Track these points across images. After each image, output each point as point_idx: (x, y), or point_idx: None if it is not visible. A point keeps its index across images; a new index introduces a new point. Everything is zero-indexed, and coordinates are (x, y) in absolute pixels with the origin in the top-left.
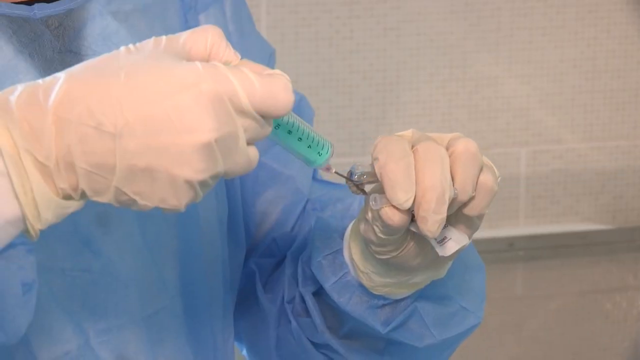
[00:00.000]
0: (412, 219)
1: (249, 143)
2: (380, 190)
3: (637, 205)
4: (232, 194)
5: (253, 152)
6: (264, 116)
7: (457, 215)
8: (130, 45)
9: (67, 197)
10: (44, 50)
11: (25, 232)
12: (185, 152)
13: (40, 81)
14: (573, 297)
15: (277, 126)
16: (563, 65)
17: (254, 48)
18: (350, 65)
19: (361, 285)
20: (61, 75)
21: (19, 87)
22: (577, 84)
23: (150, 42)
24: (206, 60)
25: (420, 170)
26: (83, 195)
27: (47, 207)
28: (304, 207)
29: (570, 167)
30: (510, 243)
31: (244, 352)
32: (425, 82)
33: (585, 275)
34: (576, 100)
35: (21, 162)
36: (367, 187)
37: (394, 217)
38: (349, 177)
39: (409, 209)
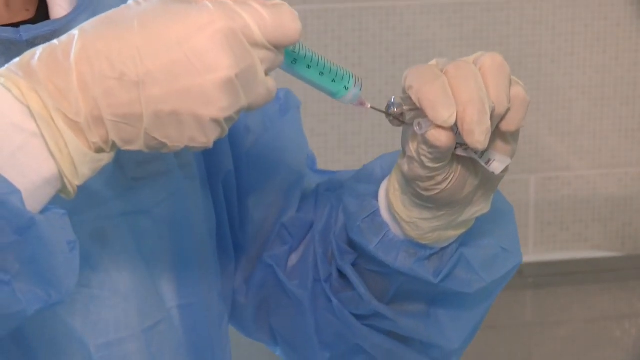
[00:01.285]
0: (457, 146)
1: (265, 74)
2: (420, 117)
3: None
4: (218, 204)
5: (271, 83)
6: (276, 46)
7: (494, 136)
8: None
9: (99, 150)
10: None
11: (61, 190)
12: (208, 92)
13: (56, 41)
14: (582, 324)
15: (294, 61)
16: (572, 92)
17: None
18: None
19: (406, 241)
20: (75, 32)
21: (37, 50)
22: (586, 110)
23: None
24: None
25: (456, 87)
26: (114, 146)
27: (82, 162)
28: (303, 186)
29: (579, 194)
30: (520, 270)
31: (278, 352)
32: None
33: (594, 302)
34: (585, 127)
35: (53, 122)
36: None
37: (441, 137)
38: (387, 109)
39: (454, 128)
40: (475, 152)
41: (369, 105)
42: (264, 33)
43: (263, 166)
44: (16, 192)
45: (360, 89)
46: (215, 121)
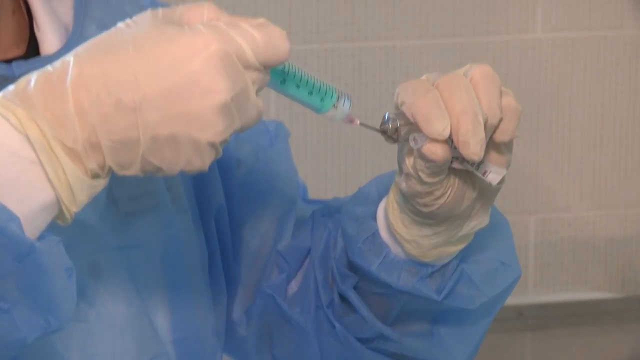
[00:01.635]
0: (452, 159)
1: (255, 94)
2: (415, 132)
3: None
4: (210, 238)
5: (260, 103)
6: (266, 66)
7: (488, 147)
8: (128, 20)
9: (95, 176)
10: None
11: (58, 217)
12: (205, 116)
13: (49, 67)
14: None
15: (283, 81)
16: (571, 133)
17: None
18: (359, 131)
19: (407, 260)
20: (70, 59)
21: (32, 77)
22: (585, 151)
23: (147, 14)
24: None
25: (449, 100)
26: (109, 171)
27: (80, 189)
28: (297, 213)
29: (579, 235)
30: (519, 312)
31: None
32: None
33: (594, 344)
34: (585, 168)
35: (51, 149)
36: (400, 139)
37: (437, 150)
38: (382, 126)
39: (449, 141)
40: (472, 164)
41: (358, 122)
42: (256, 54)
43: (255, 195)
44: (15, 219)
45: (350, 107)
46: (212, 144)
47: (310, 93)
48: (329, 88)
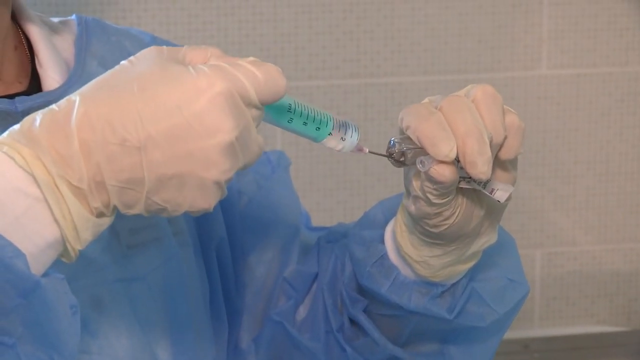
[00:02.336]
0: (460, 179)
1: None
2: (422, 155)
3: None
4: (211, 272)
5: (260, 139)
6: (265, 103)
7: (494, 165)
8: (132, 58)
9: (100, 215)
10: None
11: (63, 254)
12: (210, 155)
13: (55, 107)
14: None
15: (279, 115)
16: (577, 167)
17: None
18: (365, 167)
19: (417, 281)
20: (76, 98)
21: (37, 116)
22: (591, 185)
23: (152, 52)
24: None
25: (453, 121)
26: (114, 210)
27: (84, 227)
28: (301, 240)
29: (585, 269)
30: (526, 345)
31: None
32: None
33: None
34: (590, 203)
35: (57, 188)
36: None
37: (445, 172)
38: (388, 150)
39: (455, 162)
40: (479, 183)
41: (367, 150)
42: (258, 92)
43: (258, 225)
44: (21, 255)
45: (358, 137)
46: (217, 184)
47: (305, 123)
48: (324, 116)
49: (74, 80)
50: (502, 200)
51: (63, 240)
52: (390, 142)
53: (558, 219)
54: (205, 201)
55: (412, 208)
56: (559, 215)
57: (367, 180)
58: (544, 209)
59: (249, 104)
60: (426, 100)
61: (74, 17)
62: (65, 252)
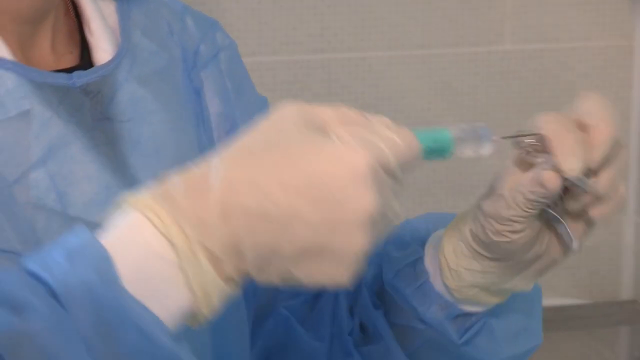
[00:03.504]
0: (552, 205)
1: None
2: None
3: (613, 281)
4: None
5: (397, 206)
6: (402, 168)
7: (580, 218)
8: (270, 117)
9: (230, 281)
10: (86, 118)
11: (190, 319)
12: (352, 230)
13: (195, 169)
14: None
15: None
16: None
17: (252, 104)
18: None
19: (439, 294)
20: (215, 161)
21: (174, 178)
22: None
23: (292, 112)
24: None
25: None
26: (244, 277)
27: (216, 295)
28: None
29: None
30: None
31: None
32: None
33: (564, 349)
34: None
35: (194, 255)
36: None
37: (556, 181)
38: (519, 136)
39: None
40: (563, 219)
41: (494, 138)
42: (398, 161)
43: None
44: (159, 322)
45: (491, 145)
46: (357, 258)
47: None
48: (441, 135)
49: (123, 52)
50: (575, 247)
51: (193, 307)
52: (523, 130)
53: None
54: (344, 275)
55: (489, 206)
56: None
57: None
58: None
59: (389, 173)
60: (565, 113)
61: None
62: (193, 318)
